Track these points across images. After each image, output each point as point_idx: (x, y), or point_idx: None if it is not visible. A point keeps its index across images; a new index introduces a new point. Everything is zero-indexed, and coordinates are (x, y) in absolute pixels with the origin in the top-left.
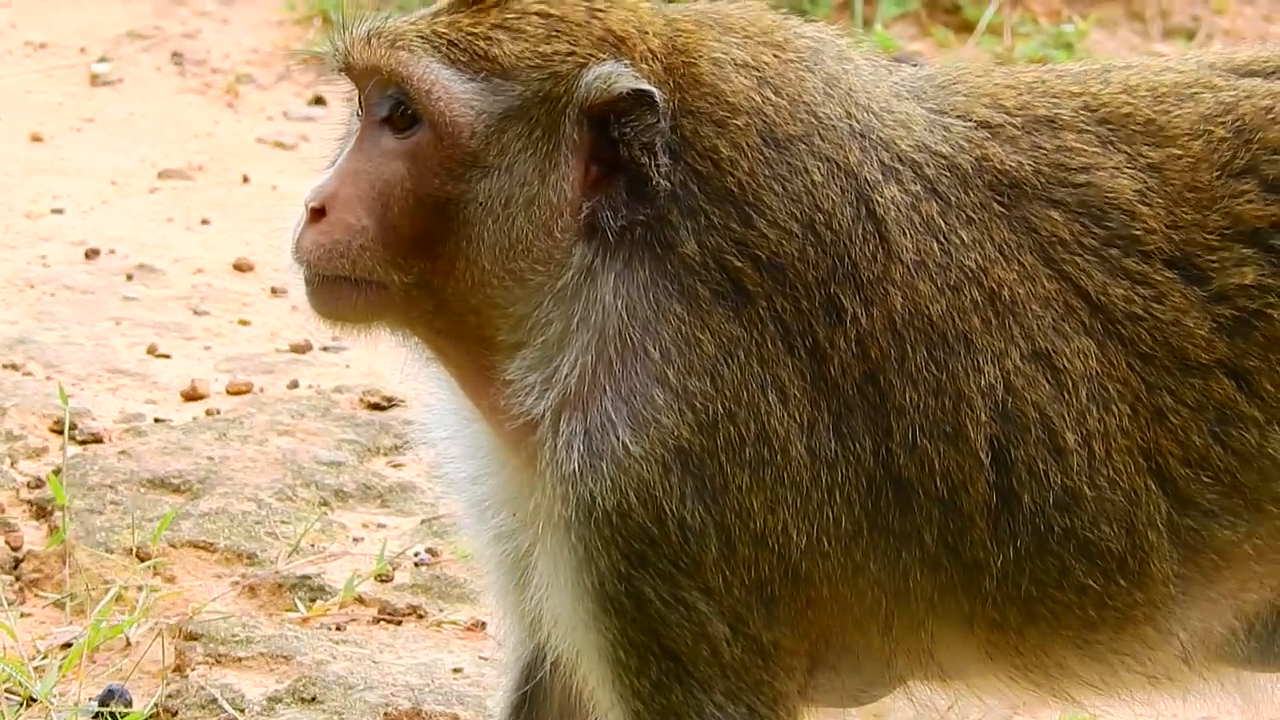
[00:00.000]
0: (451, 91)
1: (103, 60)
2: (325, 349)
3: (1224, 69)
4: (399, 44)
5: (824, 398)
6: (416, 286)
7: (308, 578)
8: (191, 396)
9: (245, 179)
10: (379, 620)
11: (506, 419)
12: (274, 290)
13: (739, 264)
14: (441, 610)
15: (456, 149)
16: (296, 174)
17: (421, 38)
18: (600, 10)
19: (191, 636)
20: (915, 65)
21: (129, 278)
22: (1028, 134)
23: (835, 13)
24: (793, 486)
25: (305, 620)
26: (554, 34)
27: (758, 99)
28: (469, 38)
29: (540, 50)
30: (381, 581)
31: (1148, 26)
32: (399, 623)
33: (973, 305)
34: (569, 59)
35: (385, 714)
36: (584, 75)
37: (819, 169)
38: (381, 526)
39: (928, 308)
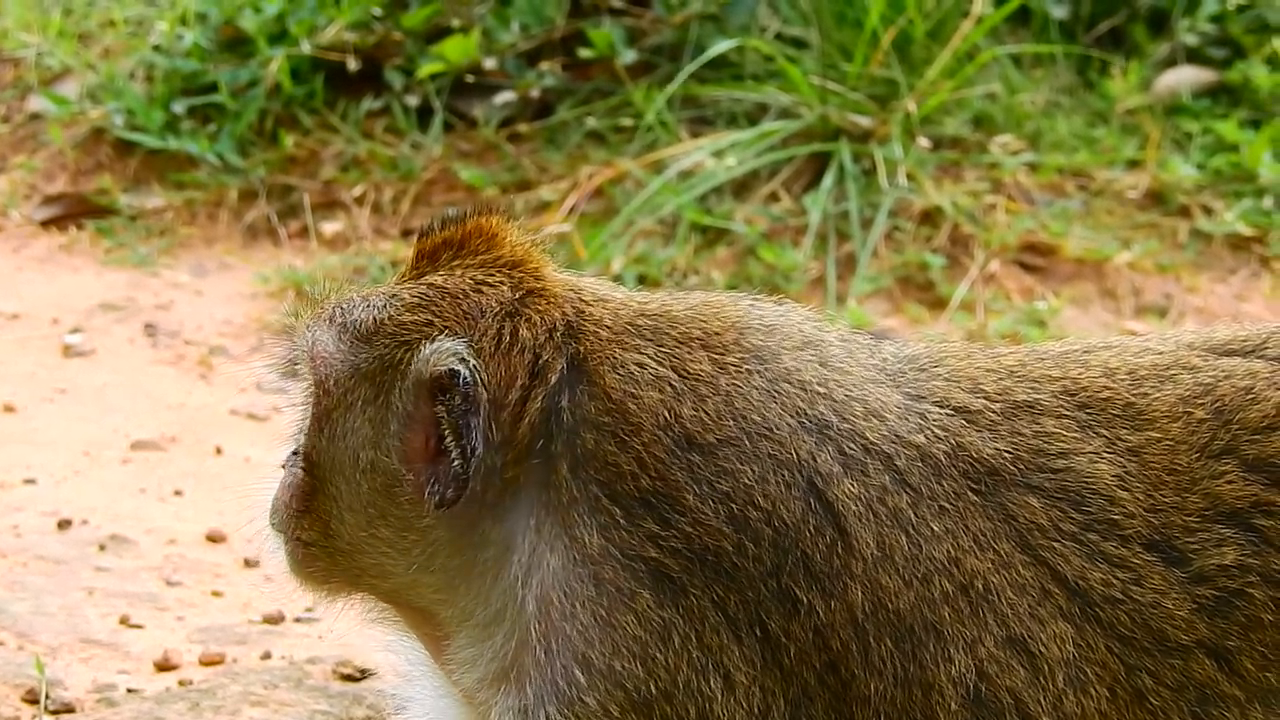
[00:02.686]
0: (327, 354)
1: (75, 331)
2: (298, 620)
3: (1203, 348)
4: (313, 317)
5: (779, 685)
6: (318, 546)
7: None
8: (164, 667)
9: (218, 450)
10: None
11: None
12: (247, 561)
13: (660, 557)
14: None
15: (323, 408)
16: (269, 445)
17: (331, 308)
18: (485, 289)
19: None
20: (896, 342)
21: (101, 548)
22: (1007, 420)
23: (808, 289)
24: None
25: None
26: (428, 306)
27: (668, 415)
28: (354, 304)
29: (400, 320)
30: None
31: (1120, 304)
32: None
33: (943, 596)
34: (420, 332)
35: None
36: (418, 350)
37: (750, 470)
38: None
39: (893, 600)
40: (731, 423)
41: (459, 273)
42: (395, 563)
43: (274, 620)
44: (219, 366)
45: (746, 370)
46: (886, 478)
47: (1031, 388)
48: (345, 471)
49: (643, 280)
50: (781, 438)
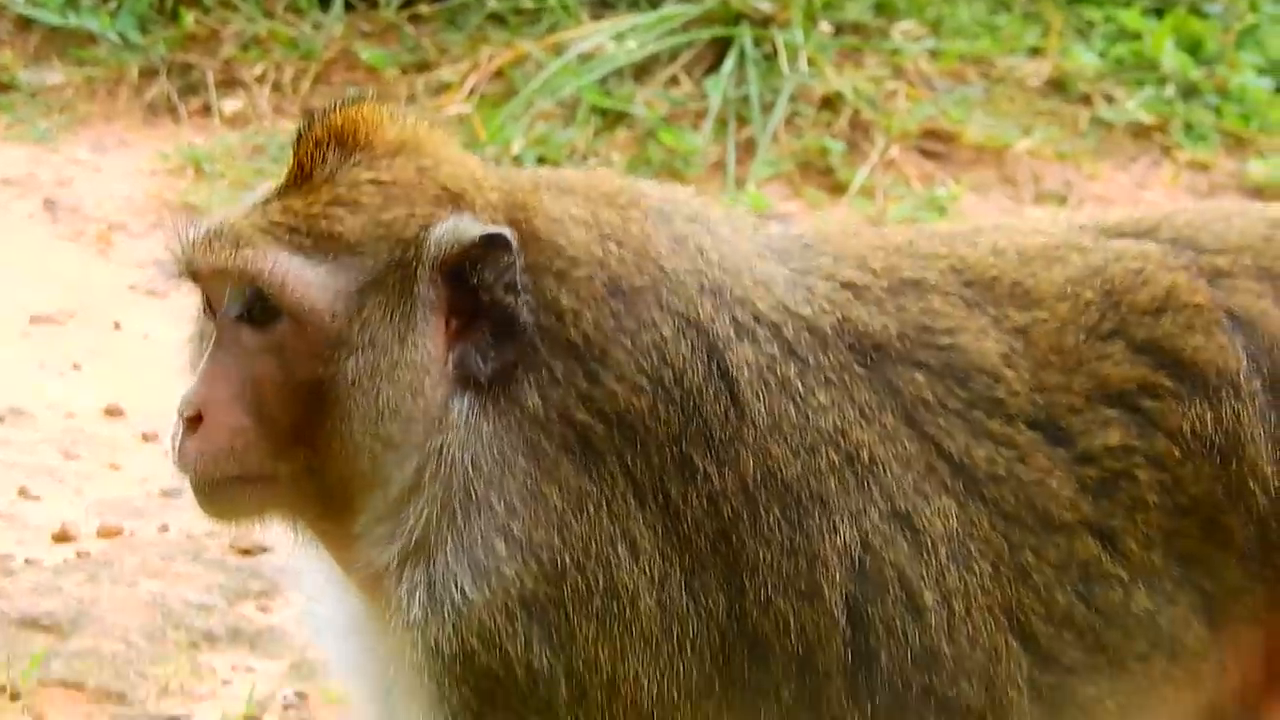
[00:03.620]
0: (305, 279)
1: None
2: None
3: (1094, 230)
4: (242, 242)
5: (676, 553)
6: (302, 472)
7: (177, 718)
8: (62, 538)
9: (117, 326)
10: None
11: (360, 571)
12: (145, 436)
13: (586, 419)
14: None
15: (320, 333)
16: (168, 322)
17: (262, 231)
18: (429, 168)
19: None
20: (782, 224)
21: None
22: (893, 296)
23: (708, 173)
24: (641, 638)
25: None
26: (389, 200)
27: (599, 251)
28: (309, 220)
29: (380, 219)
30: None
31: (1020, 191)
32: None
33: (829, 466)
34: (410, 221)
35: None
36: (430, 234)
37: (668, 323)
38: (250, 669)
39: (781, 469)
40: (648, 272)
41: (384, 164)
42: (381, 460)
43: (171, 494)
44: (118, 243)
45: (651, 224)
46: (775, 347)
47: (919, 265)
48: (364, 385)
49: (542, 161)
50: (689, 295)
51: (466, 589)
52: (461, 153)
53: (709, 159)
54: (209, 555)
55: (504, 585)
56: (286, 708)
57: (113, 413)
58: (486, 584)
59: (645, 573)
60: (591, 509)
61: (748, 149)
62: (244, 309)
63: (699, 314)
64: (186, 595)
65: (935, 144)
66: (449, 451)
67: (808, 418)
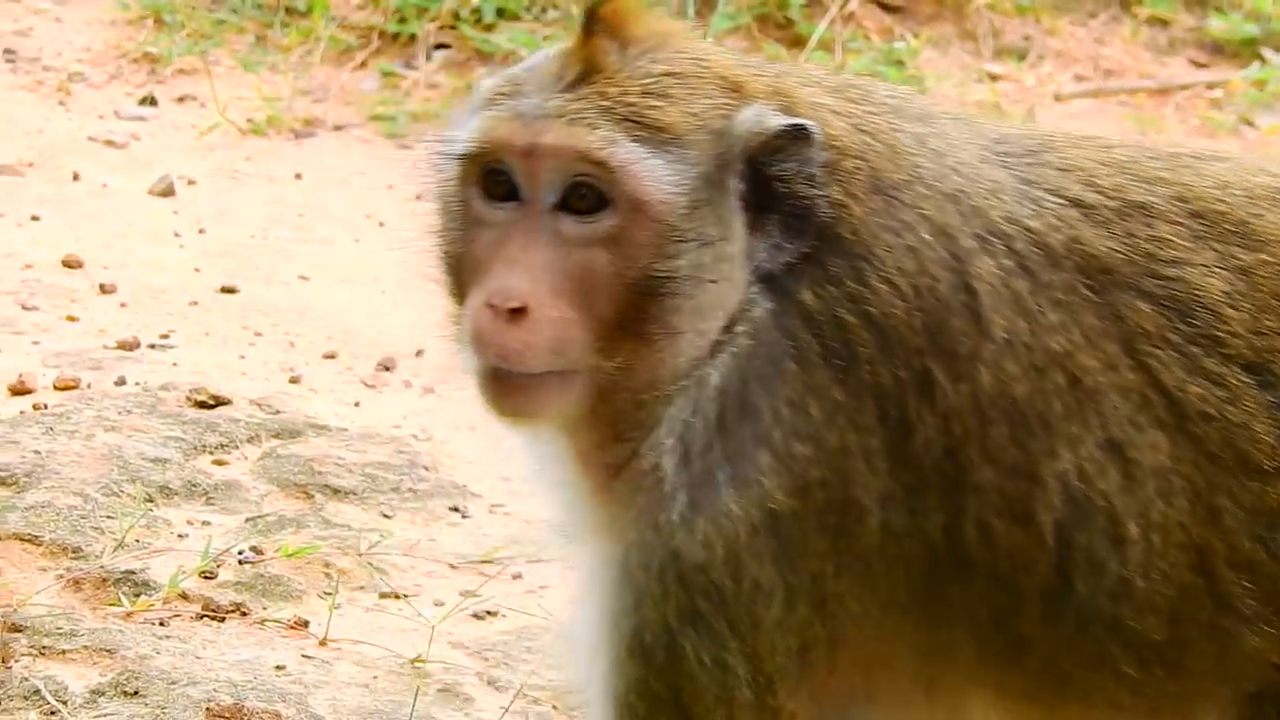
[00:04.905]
0: (651, 169)
1: None
2: (153, 346)
3: None
4: (590, 124)
5: (902, 471)
6: (619, 368)
7: (132, 573)
8: (18, 391)
9: (75, 176)
10: (202, 616)
11: (609, 470)
12: (102, 287)
13: (852, 322)
14: (265, 608)
15: (662, 226)
16: (127, 172)
17: (605, 115)
18: (699, 59)
19: (15, 628)
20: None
21: None
22: (1121, 219)
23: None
24: (860, 557)
25: (129, 615)
26: (690, 91)
27: (858, 144)
28: (633, 110)
29: (691, 110)
30: (205, 578)
31: (979, 46)
32: (222, 619)
33: (1055, 390)
34: (714, 112)
35: (207, 709)
36: (734, 124)
37: (924, 227)
38: (206, 524)
39: (1013, 388)
40: (903, 170)
41: (666, 58)
42: (685, 359)
43: (129, 346)
44: (77, 93)
45: (891, 121)
46: (1010, 261)
47: (1145, 188)
48: (698, 278)
49: (501, 14)
50: (938, 200)
51: (726, 499)
52: (702, 40)
53: (668, 11)
54: (165, 409)
55: (760, 498)
56: (242, 562)
57: (70, 264)
58: (746, 496)
59: (875, 490)
60: (842, 422)
61: (706, 2)
62: (565, 194)
63: (947, 221)
64: (143, 449)
65: None
66: (739, 351)
67: (1039, 337)
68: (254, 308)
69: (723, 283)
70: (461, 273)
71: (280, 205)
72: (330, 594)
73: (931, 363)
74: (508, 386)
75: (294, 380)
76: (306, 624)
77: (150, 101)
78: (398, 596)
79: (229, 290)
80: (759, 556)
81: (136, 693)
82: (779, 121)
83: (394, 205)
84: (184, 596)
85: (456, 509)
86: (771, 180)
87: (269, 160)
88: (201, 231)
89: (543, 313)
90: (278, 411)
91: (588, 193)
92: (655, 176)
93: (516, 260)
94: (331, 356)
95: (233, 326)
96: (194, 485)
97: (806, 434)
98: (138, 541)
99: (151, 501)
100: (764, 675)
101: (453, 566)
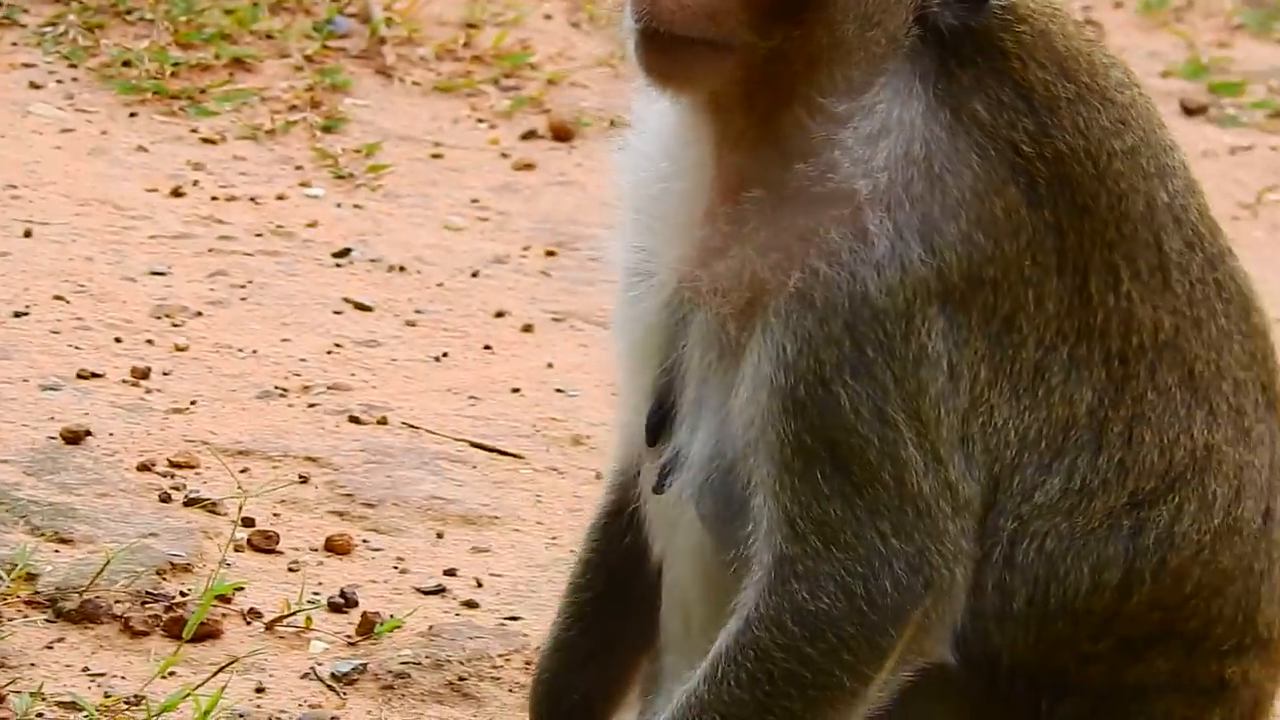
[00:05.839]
0: None
1: None
2: None
3: None
4: None
5: (1072, 338)
6: (771, 50)
7: None
8: None
9: None
10: None
11: (755, 179)
12: None
13: (1033, 155)
14: None
15: None
16: None
17: None
18: None
19: None
20: None
21: None
22: None
23: None
24: (1012, 381)
25: None
26: None
27: (1047, 27)
28: None
29: None
30: None
31: None
32: None
33: (1208, 311)
34: None
35: None
36: None
37: (1108, 116)
38: None
39: (1178, 323)
40: (1070, 36)
41: None
42: (850, 62)
43: None
44: None
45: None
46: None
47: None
48: None
49: None
50: (1096, 66)
51: (919, 256)
52: None
53: None
54: None
55: (942, 267)
56: None
57: None
58: (931, 257)
59: (1038, 331)
60: (1024, 241)
61: None
62: None
63: (1108, 86)
64: None
65: None
66: (914, 114)
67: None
68: None
69: (891, 8)
70: None
71: None
72: None
73: (1119, 258)
74: (659, 46)
75: None
76: None
77: None
78: None
79: None
80: (930, 323)
81: None
82: None
83: None
84: None
85: None
86: None
87: None
88: None
89: None
90: None
91: None
92: None
93: None
94: None
95: None
96: None
97: (989, 228)
98: None
99: None
100: (930, 443)
101: None
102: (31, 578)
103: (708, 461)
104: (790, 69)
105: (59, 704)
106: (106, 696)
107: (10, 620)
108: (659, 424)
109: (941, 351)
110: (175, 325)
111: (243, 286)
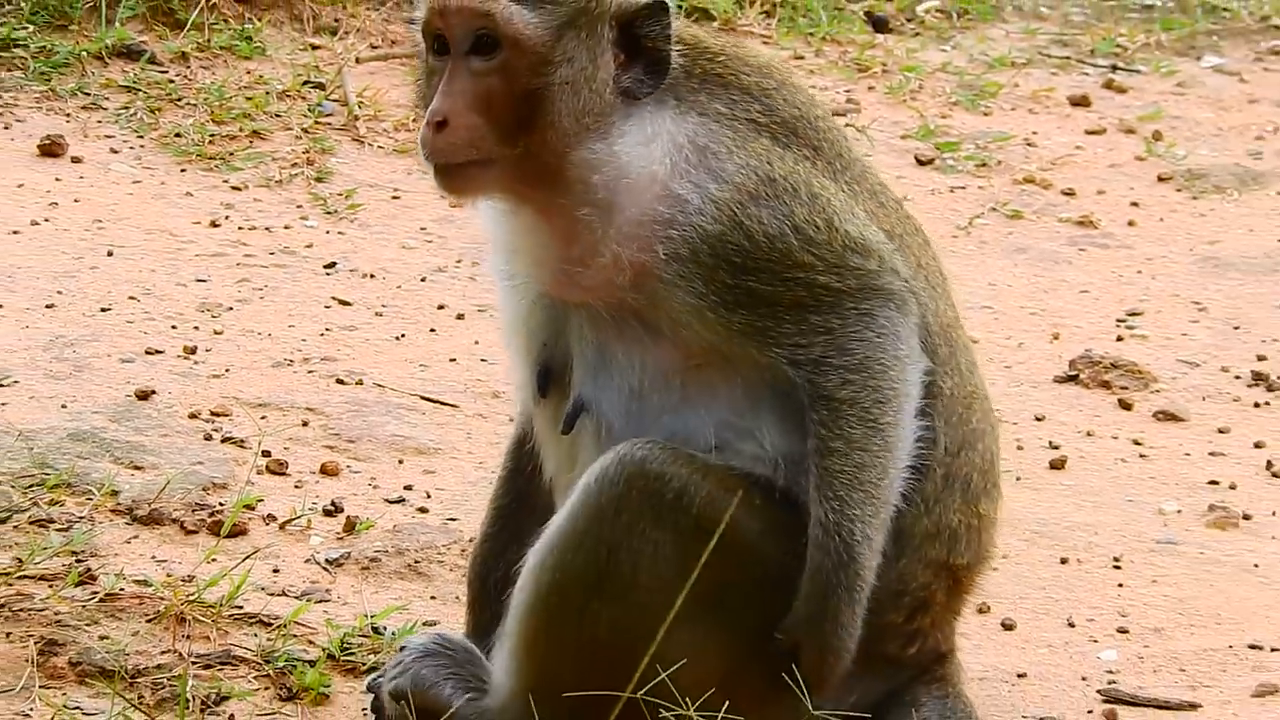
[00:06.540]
0: (522, 15)
1: None
2: None
3: None
4: None
5: (840, 192)
6: (522, 155)
7: None
8: None
9: None
10: None
11: (582, 205)
12: None
13: (765, 121)
14: None
15: (535, 56)
16: None
17: None
18: None
19: None
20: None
21: None
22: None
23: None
24: (829, 202)
25: None
26: None
27: (691, 38)
28: None
29: None
30: None
31: (305, 25)
32: None
33: (873, 193)
34: None
35: None
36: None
37: (806, 96)
38: None
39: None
40: (778, 72)
41: None
42: (584, 140)
43: None
44: None
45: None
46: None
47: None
48: (567, 90)
49: None
50: (801, 85)
51: (714, 190)
52: None
53: None
54: None
55: (738, 185)
56: None
57: None
58: (726, 186)
59: (826, 195)
60: (791, 160)
61: None
62: (473, 44)
63: (789, 79)
64: None
65: None
66: (666, 123)
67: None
68: None
69: (593, 96)
70: (423, 107)
71: None
72: None
73: (846, 168)
74: (443, 174)
75: None
76: None
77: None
78: None
79: None
80: (756, 218)
81: None
82: (640, 2)
83: None
84: None
85: None
86: (639, 37)
87: None
88: None
89: (457, 121)
90: None
91: (487, 39)
92: (525, 21)
93: (445, 92)
94: None
95: None
96: None
97: (759, 160)
98: None
99: None
100: (828, 264)
101: None
102: (115, 493)
103: (626, 399)
104: (547, 150)
105: (134, 581)
106: (168, 576)
107: (100, 523)
108: (545, 383)
109: (779, 225)
110: (214, 316)
111: (261, 289)
